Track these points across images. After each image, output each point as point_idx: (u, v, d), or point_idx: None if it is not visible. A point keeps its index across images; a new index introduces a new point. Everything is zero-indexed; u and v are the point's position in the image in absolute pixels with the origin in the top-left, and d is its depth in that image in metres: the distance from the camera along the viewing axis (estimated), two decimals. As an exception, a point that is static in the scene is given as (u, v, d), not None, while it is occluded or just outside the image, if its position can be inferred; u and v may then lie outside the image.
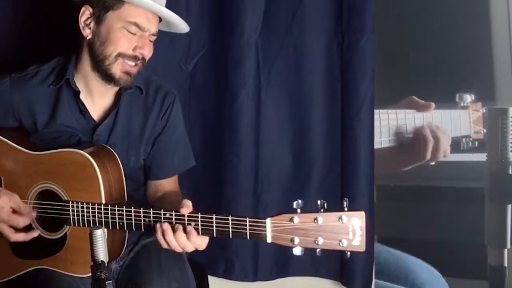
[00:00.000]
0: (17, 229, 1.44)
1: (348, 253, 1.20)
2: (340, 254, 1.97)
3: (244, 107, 1.90)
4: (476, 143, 1.47)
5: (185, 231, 1.29)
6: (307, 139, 1.95)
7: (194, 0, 1.89)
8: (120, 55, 1.44)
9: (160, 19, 1.51)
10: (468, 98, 1.50)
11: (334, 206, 2.05)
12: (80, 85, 1.51)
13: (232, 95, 1.90)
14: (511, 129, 1.39)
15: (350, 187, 1.93)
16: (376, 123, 1.32)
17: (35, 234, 1.45)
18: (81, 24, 1.47)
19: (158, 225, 1.31)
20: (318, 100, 1.92)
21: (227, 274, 2.03)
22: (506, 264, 1.43)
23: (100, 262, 1.13)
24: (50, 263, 1.45)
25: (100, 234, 1.14)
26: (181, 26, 1.57)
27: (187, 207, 1.30)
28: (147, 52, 1.47)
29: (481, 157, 1.46)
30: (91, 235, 1.13)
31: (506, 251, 1.43)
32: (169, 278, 1.46)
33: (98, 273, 1.12)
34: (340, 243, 1.18)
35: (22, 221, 1.44)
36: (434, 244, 2.28)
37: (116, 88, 1.53)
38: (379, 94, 1.85)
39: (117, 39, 1.44)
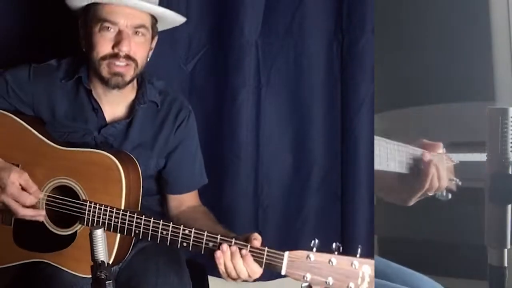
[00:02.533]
0: (24, 206, 1.45)
1: None
2: (340, 254, 2.00)
3: (244, 107, 1.90)
4: (450, 195, 1.51)
5: (241, 254, 1.29)
6: (307, 139, 1.95)
7: (194, 0, 1.89)
8: (102, 58, 1.45)
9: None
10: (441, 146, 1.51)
11: (334, 206, 2.06)
12: (93, 90, 1.53)
13: (232, 95, 1.90)
14: (511, 129, 1.38)
15: (350, 187, 1.93)
16: (384, 150, 1.34)
17: (42, 213, 1.45)
18: (80, 36, 1.51)
19: (225, 247, 1.30)
20: (318, 100, 1.92)
21: (227, 274, 2.02)
22: (506, 264, 1.42)
23: (100, 262, 1.13)
24: (52, 258, 1.45)
25: (100, 234, 1.14)
26: (169, 17, 1.55)
27: (258, 240, 1.30)
28: (126, 47, 1.43)
29: (481, 157, 1.45)
30: (91, 235, 1.14)
31: (506, 251, 1.42)
32: (165, 282, 1.46)
33: (98, 273, 1.12)
34: (349, 287, 1.23)
35: (29, 200, 1.44)
36: (434, 244, 2.28)
37: (129, 100, 1.54)
38: (379, 95, 1.85)
39: (96, 43, 1.44)
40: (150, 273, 1.48)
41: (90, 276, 1.39)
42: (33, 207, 1.45)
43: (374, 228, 1.90)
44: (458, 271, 2.20)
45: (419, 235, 2.29)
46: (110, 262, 1.27)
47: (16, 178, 1.43)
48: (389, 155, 1.36)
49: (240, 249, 1.28)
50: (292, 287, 2.08)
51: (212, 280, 1.87)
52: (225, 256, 1.29)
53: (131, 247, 1.48)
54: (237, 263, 1.29)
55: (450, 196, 1.51)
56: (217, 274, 2.02)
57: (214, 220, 1.54)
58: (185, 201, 1.63)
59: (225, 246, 1.29)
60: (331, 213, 1.98)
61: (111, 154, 1.42)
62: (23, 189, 1.44)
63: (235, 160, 1.93)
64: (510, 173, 1.40)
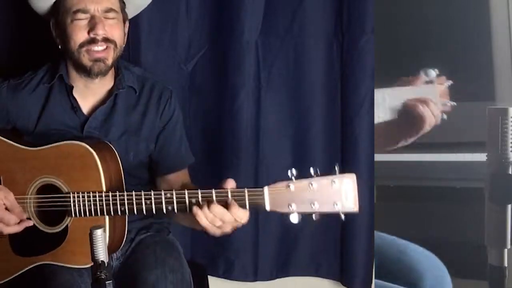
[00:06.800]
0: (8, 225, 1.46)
1: (343, 215, 1.24)
2: (340, 254, 2.01)
3: (244, 107, 1.90)
4: (445, 115, 1.50)
5: (226, 205, 1.30)
6: (307, 139, 1.95)
7: (194, 0, 1.89)
8: (81, 46, 1.47)
9: None
10: (433, 73, 1.55)
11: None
12: (74, 87, 1.54)
13: (232, 95, 1.90)
14: (511, 129, 1.38)
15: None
16: (375, 101, 1.37)
17: (28, 224, 1.46)
18: (54, 35, 1.53)
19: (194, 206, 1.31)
20: (318, 100, 1.92)
21: (227, 274, 2.03)
22: (506, 264, 1.42)
23: (100, 262, 1.13)
24: (51, 258, 1.45)
25: (100, 234, 1.14)
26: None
27: (230, 181, 1.31)
28: (101, 30, 1.46)
29: (481, 157, 1.45)
30: (91, 235, 1.13)
31: (506, 251, 1.42)
32: (164, 268, 1.47)
33: (98, 273, 1.12)
34: (335, 205, 1.23)
35: (13, 220, 1.45)
36: (434, 244, 2.28)
37: (108, 88, 1.55)
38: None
39: (72, 33, 1.47)
40: (149, 261, 1.50)
41: (88, 266, 1.40)
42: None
43: (374, 227, 1.90)
44: (458, 271, 2.20)
45: (419, 235, 2.29)
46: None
47: (1, 199, 1.44)
48: (380, 106, 1.38)
49: (220, 199, 1.29)
50: (292, 287, 2.09)
51: (212, 280, 1.88)
52: (204, 210, 1.30)
53: (125, 235, 1.48)
54: (215, 210, 1.29)
55: (445, 117, 1.50)
56: (217, 274, 2.04)
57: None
58: (176, 183, 1.62)
59: (195, 208, 1.30)
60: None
61: (82, 142, 1.42)
62: (7, 208, 1.45)
63: (235, 160, 1.93)
64: (510, 173, 1.40)
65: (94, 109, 1.55)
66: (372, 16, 1.82)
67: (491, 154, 1.41)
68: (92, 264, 1.14)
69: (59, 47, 1.52)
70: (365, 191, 1.91)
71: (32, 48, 1.80)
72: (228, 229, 1.34)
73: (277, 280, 2.06)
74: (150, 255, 1.51)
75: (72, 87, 1.52)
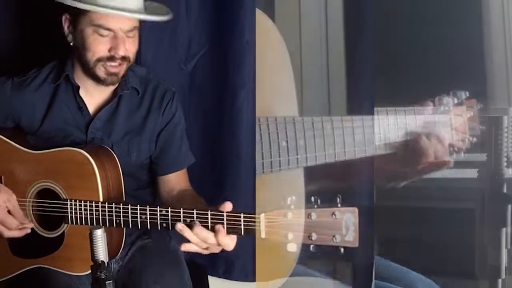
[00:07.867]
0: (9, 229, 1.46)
1: (342, 249, 1.21)
2: (340, 254, 2.00)
3: (244, 107, 1.90)
4: (462, 154, 1.45)
5: (213, 230, 1.27)
6: (307, 139, 1.95)
7: (194, 0, 1.89)
8: (98, 60, 1.47)
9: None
10: (463, 94, 1.49)
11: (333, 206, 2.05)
12: (81, 87, 1.54)
13: (232, 95, 1.90)
14: (511, 129, 1.39)
15: (350, 187, 1.93)
16: (393, 126, 1.32)
17: (28, 229, 1.46)
18: (65, 31, 1.51)
19: (177, 224, 1.29)
20: (318, 100, 1.92)
21: (227, 274, 2.03)
22: (505, 264, 1.43)
23: (100, 262, 1.14)
24: (48, 262, 1.46)
25: (100, 234, 1.14)
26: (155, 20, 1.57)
27: (227, 204, 1.29)
28: (122, 51, 1.46)
29: (481, 157, 1.46)
30: (91, 235, 1.14)
31: (506, 251, 1.43)
32: (165, 279, 1.47)
33: (98, 273, 1.12)
34: (334, 239, 1.19)
35: (14, 225, 1.45)
36: (434, 244, 2.28)
37: (112, 88, 1.56)
38: (379, 94, 1.85)
39: (92, 45, 1.46)
40: (149, 270, 1.49)
41: (84, 273, 1.41)
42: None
43: (374, 228, 1.90)
44: (458, 271, 2.20)
45: (419, 235, 2.29)
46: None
47: (4, 201, 1.45)
48: (390, 127, 1.33)
49: (214, 221, 1.27)
50: (292, 287, 2.09)
51: (212, 280, 1.87)
52: (188, 232, 1.28)
53: (123, 242, 1.48)
54: (198, 233, 1.27)
55: (463, 155, 1.43)
56: (217, 274, 2.03)
57: (202, 202, 1.54)
58: (176, 184, 1.63)
59: (179, 225, 1.28)
60: (331, 213, 1.98)
61: (82, 149, 1.43)
62: (9, 211, 1.45)
63: (235, 160, 1.92)
64: (507, 176, 1.40)
65: (99, 109, 1.55)
66: (373, 16, 1.81)
67: (491, 154, 1.41)
68: (92, 264, 1.14)
69: (71, 44, 1.51)
70: (365, 192, 1.91)
71: (35, 46, 1.80)
72: (215, 250, 1.31)
73: (277, 280, 2.06)
74: (150, 265, 1.51)
75: (78, 87, 1.52)
